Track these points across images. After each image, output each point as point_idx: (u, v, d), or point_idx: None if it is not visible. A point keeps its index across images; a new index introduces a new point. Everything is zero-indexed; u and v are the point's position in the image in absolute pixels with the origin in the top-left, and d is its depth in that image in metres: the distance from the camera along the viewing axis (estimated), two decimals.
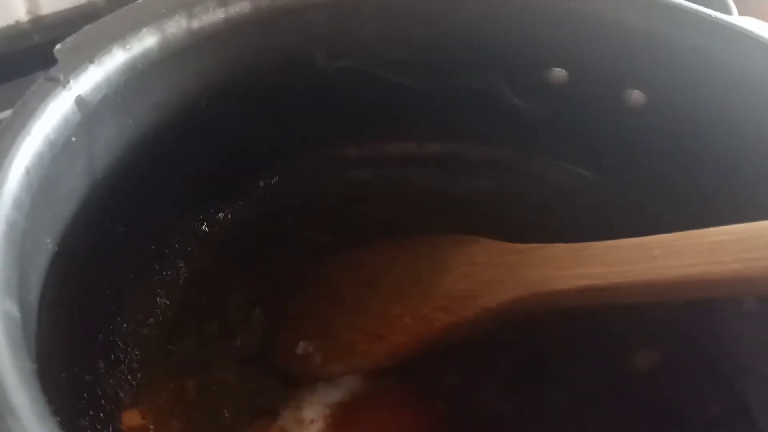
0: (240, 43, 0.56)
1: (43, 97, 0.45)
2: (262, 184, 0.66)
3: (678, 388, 0.58)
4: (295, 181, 0.67)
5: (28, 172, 0.42)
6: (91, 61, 0.48)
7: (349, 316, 0.59)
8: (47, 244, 0.45)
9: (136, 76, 0.50)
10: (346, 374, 0.57)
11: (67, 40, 0.48)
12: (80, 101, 0.47)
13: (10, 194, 0.41)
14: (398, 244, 0.62)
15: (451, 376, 0.59)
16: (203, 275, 0.63)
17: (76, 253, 0.48)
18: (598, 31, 0.57)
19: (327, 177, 0.68)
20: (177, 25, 0.52)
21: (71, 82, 0.46)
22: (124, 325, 0.57)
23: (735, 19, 0.53)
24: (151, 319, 0.59)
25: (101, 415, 0.52)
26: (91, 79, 0.47)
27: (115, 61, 0.49)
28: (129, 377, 0.55)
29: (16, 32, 0.75)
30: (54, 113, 0.45)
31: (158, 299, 0.60)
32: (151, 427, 0.54)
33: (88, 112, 0.47)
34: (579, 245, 0.50)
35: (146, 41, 0.50)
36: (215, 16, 0.53)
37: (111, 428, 0.52)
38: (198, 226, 0.64)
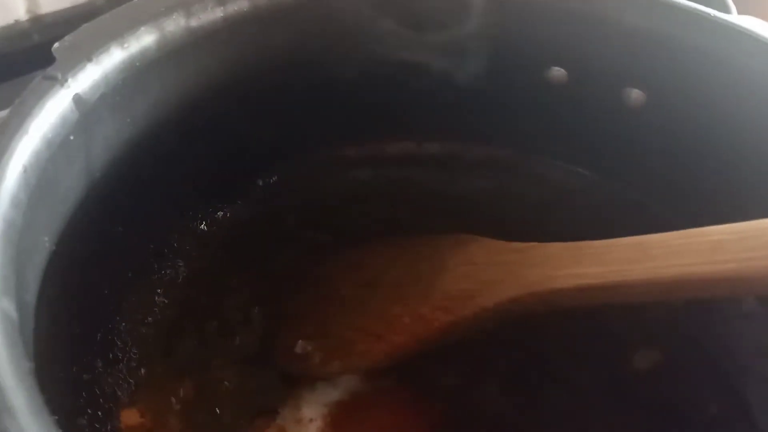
0: (239, 41, 0.55)
1: (41, 95, 0.45)
2: (261, 183, 0.66)
3: (678, 388, 0.58)
4: (295, 181, 0.67)
5: (25, 171, 0.42)
6: (89, 60, 0.48)
7: (348, 316, 0.59)
8: (45, 243, 0.45)
9: (134, 74, 0.50)
10: (345, 374, 0.58)
11: (66, 38, 0.48)
12: (78, 100, 0.46)
13: (7, 193, 0.41)
14: (398, 244, 0.62)
15: (451, 376, 0.59)
16: (202, 274, 0.63)
17: (74, 251, 0.48)
18: (597, 30, 0.57)
19: (327, 177, 0.68)
20: (175, 24, 0.52)
21: (69, 80, 0.46)
22: (123, 324, 0.57)
23: (734, 17, 0.53)
24: (150, 318, 0.59)
25: (100, 413, 0.52)
26: (89, 77, 0.47)
27: (113, 59, 0.49)
28: (127, 376, 0.55)
29: (16, 31, 0.75)
30: (52, 112, 0.45)
31: (157, 298, 0.60)
32: (150, 425, 0.54)
33: (86, 110, 0.47)
34: (577, 244, 0.50)
35: (144, 40, 0.50)
36: (214, 14, 0.53)
37: (109, 427, 0.52)
38: (197, 226, 0.64)
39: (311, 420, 0.55)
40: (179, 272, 0.62)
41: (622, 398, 0.58)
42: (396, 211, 0.68)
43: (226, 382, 0.58)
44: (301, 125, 0.63)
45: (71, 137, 0.46)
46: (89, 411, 0.51)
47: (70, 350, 0.50)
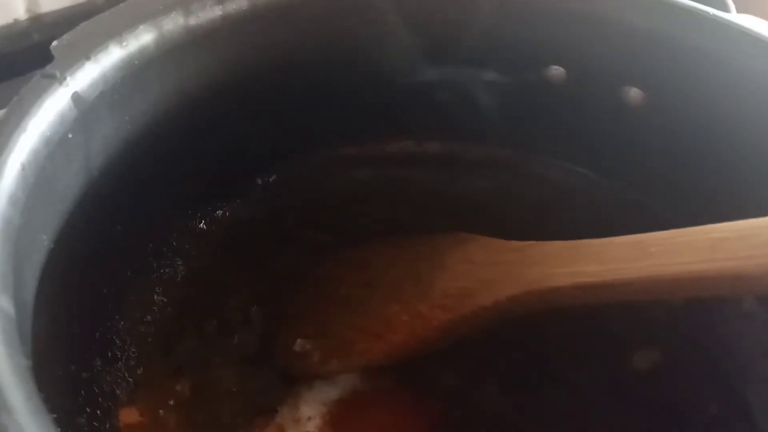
0: (238, 41, 0.55)
1: (40, 93, 0.45)
2: (260, 182, 0.66)
3: (678, 388, 0.58)
4: (295, 180, 0.67)
5: (23, 169, 0.42)
6: (88, 58, 0.47)
7: (347, 316, 0.59)
8: (43, 241, 0.45)
9: (132, 72, 0.50)
10: (344, 372, 0.57)
11: (64, 36, 0.48)
12: (77, 98, 0.46)
13: (5, 191, 0.41)
14: (397, 244, 0.62)
15: (451, 376, 0.59)
16: (201, 273, 0.63)
17: (73, 250, 0.48)
18: (596, 29, 0.57)
19: (326, 176, 0.68)
20: (174, 22, 0.52)
21: (68, 78, 0.46)
22: (122, 323, 0.57)
23: (733, 16, 0.53)
24: (149, 317, 0.59)
25: (98, 412, 0.51)
26: (87, 75, 0.47)
27: (111, 58, 0.49)
28: (126, 375, 0.55)
29: (15, 31, 0.75)
30: (50, 110, 0.45)
31: (156, 297, 0.60)
32: (148, 424, 0.54)
33: (85, 108, 0.47)
34: (576, 243, 0.50)
35: (143, 38, 0.50)
36: (212, 13, 0.53)
37: (108, 426, 0.52)
38: (196, 224, 0.64)
39: (310, 419, 0.55)
40: (178, 271, 0.62)
41: (622, 398, 0.58)
42: (396, 211, 0.68)
43: (224, 381, 0.58)
44: (300, 124, 0.63)
45: (70, 135, 0.46)
46: (88, 410, 0.51)
47: (69, 349, 0.50)
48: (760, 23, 0.52)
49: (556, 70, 0.60)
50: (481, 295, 0.53)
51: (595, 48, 0.58)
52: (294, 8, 0.56)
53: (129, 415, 0.54)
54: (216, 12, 0.53)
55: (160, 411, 0.55)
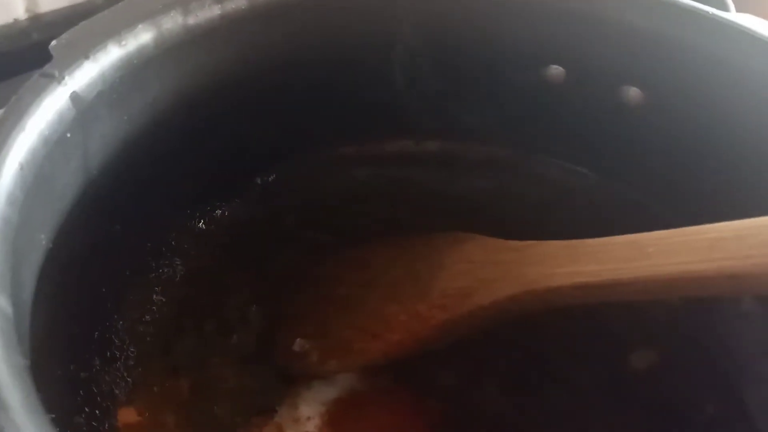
0: (237, 40, 0.55)
1: (38, 93, 0.45)
2: (259, 182, 0.66)
3: (678, 388, 0.58)
4: (294, 180, 0.67)
5: (22, 168, 0.42)
6: (87, 57, 0.47)
7: (346, 316, 0.59)
8: (41, 241, 0.45)
9: (131, 72, 0.50)
10: (342, 372, 0.57)
11: (63, 36, 0.48)
12: (75, 97, 0.46)
13: (3, 190, 0.41)
14: (397, 244, 0.62)
15: (450, 376, 0.59)
16: (200, 273, 0.63)
17: (71, 249, 0.48)
18: (594, 28, 0.57)
19: (325, 176, 0.68)
20: (173, 21, 0.52)
21: (66, 78, 0.46)
22: (121, 323, 0.57)
23: (732, 16, 0.53)
24: (148, 317, 0.59)
25: (97, 412, 0.51)
26: (86, 75, 0.47)
27: (110, 57, 0.49)
28: (125, 374, 0.55)
29: (15, 30, 0.75)
30: (48, 109, 0.45)
31: (155, 297, 0.60)
32: (147, 424, 0.54)
33: (83, 108, 0.47)
34: (574, 242, 0.50)
35: (142, 37, 0.50)
36: (211, 12, 0.53)
37: (107, 425, 0.52)
38: (195, 224, 0.64)
39: (309, 418, 0.55)
40: (177, 271, 0.62)
41: (621, 398, 0.58)
42: (395, 211, 0.68)
43: (223, 381, 0.58)
44: (299, 124, 0.63)
45: (68, 135, 0.46)
46: (86, 409, 0.51)
47: (68, 348, 0.50)
48: (760, 22, 0.52)
49: (556, 70, 0.60)
50: (479, 295, 0.53)
51: (595, 48, 0.58)
52: (293, 8, 0.56)
53: (127, 415, 0.54)
54: (215, 11, 0.53)
55: (159, 411, 0.55)
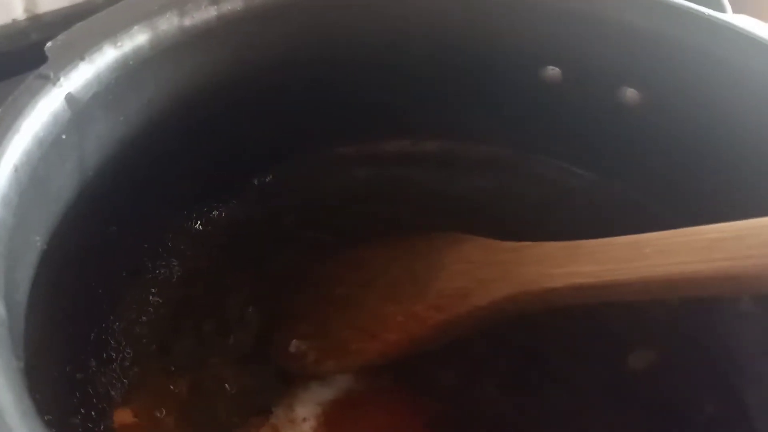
0: (233, 41, 0.55)
1: (33, 94, 0.45)
2: (256, 182, 0.66)
3: (677, 388, 0.58)
4: (291, 180, 0.67)
5: (16, 170, 0.42)
6: (82, 59, 0.47)
7: (343, 316, 0.59)
8: (36, 242, 0.45)
9: (127, 73, 0.50)
10: (339, 373, 0.57)
11: (59, 37, 0.48)
12: (71, 99, 0.46)
13: None
14: (395, 244, 0.62)
15: (449, 376, 0.59)
16: (197, 274, 0.63)
17: (67, 251, 0.48)
18: (591, 29, 0.57)
19: (323, 176, 0.68)
20: (169, 23, 0.52)
21: (62, 79, 0.46)
22: (117, 324, 0.57)
23: (729, 17, 0.53)
24: (144, 318, 0.59)
25: (93, 413, 0.52)
26: (81, 76, 0.47)
27: (106, 58, 0.49)
28: (121, 375, 0.55)
29: (14, 30, 0.75)
30: (43, 111, 0.45)
31: (151, 298, 0.60)
32: (143, 425, 0.54)
33: (79, 109, 0.47)
34: (572, 243, 0.50)
35: (137, 38, 0.50)
36: (207, 13, 0.53)
37: (102, 427, 0.52)
38: (192, 225, 0.64)
39: (304, 419, 0.55)
40: (174, 272, 0.62)
41: (621, 398, 0.58)
42: (394, 211, 0.68)
43: (220, 382, 0.58)
44: (297, 124, 0.63)
45: (63, 136, 0.46)
46: (82, 410, 0.51)
47: (64, 349, 0.50)
48: (756, 24, 0.52)
49: (552, 71, 0.59)
50: (476, 295, 0.53)
51: (594, 48, 0.57)
52: (289, 8, 0.56)
53: (123, 416, 0.54)
54: (211, 12, 0.53)
55: (155, 412, 0.55)
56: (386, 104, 0.64)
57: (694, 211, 0.55)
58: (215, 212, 0.65)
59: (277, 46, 0.58)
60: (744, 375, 0.56)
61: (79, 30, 0.49)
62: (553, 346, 0.60)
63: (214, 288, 0.62)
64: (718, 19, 0.53)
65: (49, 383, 0.47)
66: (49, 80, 0.46)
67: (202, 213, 0.65)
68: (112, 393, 0.54)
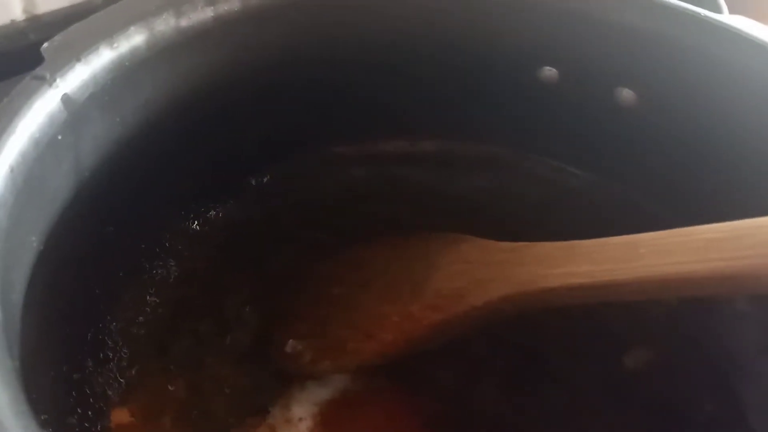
0: (230, 41, 0.55)
1: (29, 95, 0.45)
2: (254, 182, 0.66)
3: (676, 388, 0.58)
4: (288, 180, 0.67)
5: (12, 171, 0.42)
6: (78, 60, 0.48)
7: (339, 316, 0.59)
8: (33, 243, 0.45)
9: (123, 74, 0.50)
10: (335, 372, 0.57)
11: (55, 38, 0.48)
12: (66, 99, 0.47)
13: None
14: (393, 244, 0.62)
15: (448, 376, 0.59)
16: (194, 274, 0.63)
17: (64, 251, 0.48)
18: (590, 30, 0.57)
19: (321, 176, 0.68)
20: (165, 24, 0.52)
21: (58, 80, 0.46)
22: (114, 324, 0.57)
23: (725, 17, 0.53)
24: (141, 318, 0.59)
25: (90, 413, 0.52)
26: (77, 77, 0.47)
27: (102, 59, 0.49)
28: (118, 375, 0.55)
29: (12, 31, 0.75)
30: (40, 111, 0.45)
31: (149, 298, 0.60)
32: (140, 425, 0.54)
33: (75, 110, 0.47)
34: (569, 243, 0.50)
35: (134, 39, 0.50)
36: (204, 14, 0.53)
37: (99, 426, 0.52)
38: (189, 225, 0.64)
39: (301, 419, 0.55)
40: (171, 272, 0.62)
41: (620, 398, 0.58)
42: (393, 211, 0.68)
43: (217, 382, 0.57)
44: (295, 124, 0.63)
45: (59, 137, 0.46)
46: (79, 410, 0.51)
47: (61, 349, 0.50)
48: (752, 24, 0.52)
49: (549, 71, 0.60)
50: (473, 295, 0.53)
51: (593, 48, 0.58)
52: (286, 8, 0.56)
53: (120, 416, 0.54)
54: (207, 13, 0.53)
55: (152, 411, 0.55)
56: (385, 104, 0.64)
57: (694, 211, 0.55)
58: (213, 212, 0.65)
59: (274, 46, 0.58)
60: (743, 374, 0.56)
61: (75, 31, 0.49)
62: (553, 345, 0.60)
63: (212, 288, 0.62)
64: (714, 19, 0.53)
65: (46, 383, 0.47)
66: (45, 81, 0.46)
67: (200, 213, 0.65)
68: (109, 393, 0.54)
